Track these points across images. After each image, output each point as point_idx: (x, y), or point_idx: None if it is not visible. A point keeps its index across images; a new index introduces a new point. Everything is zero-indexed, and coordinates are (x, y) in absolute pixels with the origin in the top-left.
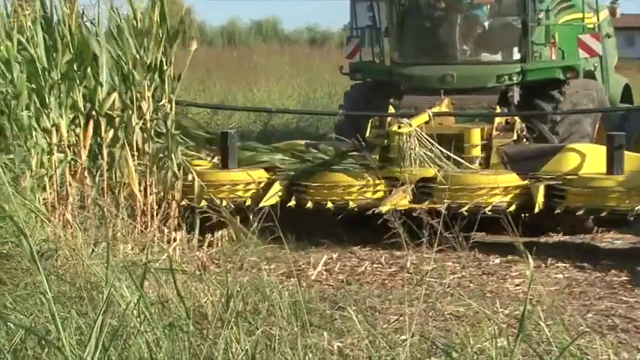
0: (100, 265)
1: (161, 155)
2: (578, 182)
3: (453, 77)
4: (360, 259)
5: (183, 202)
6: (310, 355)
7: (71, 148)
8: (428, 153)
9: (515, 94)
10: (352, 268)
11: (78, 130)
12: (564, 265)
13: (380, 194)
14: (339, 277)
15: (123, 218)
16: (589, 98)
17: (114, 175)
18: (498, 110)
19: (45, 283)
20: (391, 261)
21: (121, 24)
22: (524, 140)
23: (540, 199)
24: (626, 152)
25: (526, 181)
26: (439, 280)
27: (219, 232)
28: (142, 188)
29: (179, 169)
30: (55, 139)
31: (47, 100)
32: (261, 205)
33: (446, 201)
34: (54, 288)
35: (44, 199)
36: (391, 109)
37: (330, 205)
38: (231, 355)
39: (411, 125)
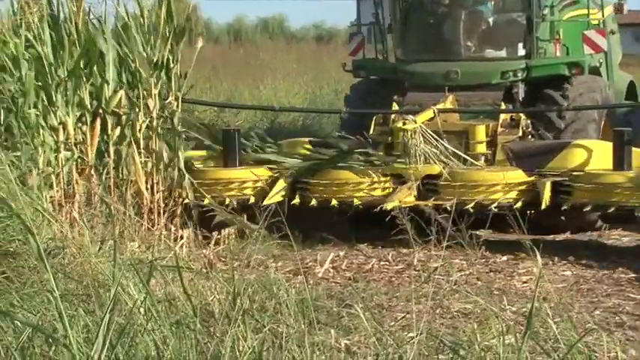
0: (107, 263)
1: (167, 153)
2: (585, 178)
3: (457, 74)
4: (367, 257)
5: (187, 200)
6: (317, 352)
7: (78, 146)
8: (433, 149)
9: (520, 91)
10: (359, 266)
11: (85, 127)
12: (572, 262)
13: (384, 191)
14: (346, 274)
15: (130, 216)
16: (594, 95)
17: (121, 173)
18: (503, 107)
19: (52, 281)
20: (398, 258)
21: (128, 21)
22: (530, 137)
23: (547, 195)
24: (633, 148)
25: (532, 178)
26: (446, 277)
27: (226, 230)
28: (148, 186)
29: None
30: (62, 137)
31: (54, 97)
32: (265, 202)
33: (452, 198)
34: (61, 286)
35: (51, 197)
36: (395, 107)
37: (334, 202)
38: (238, 352)
39: (415, 122)
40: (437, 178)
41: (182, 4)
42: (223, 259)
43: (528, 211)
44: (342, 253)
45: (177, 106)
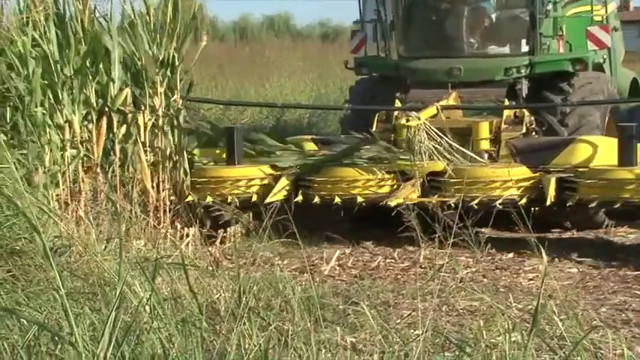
0: (113, 261)
1: (172, 151)
2: (591, 174)
3: (460, 70)
4: (373, 254)
5: (189, 198)
6: (323, 350)
7: (84, 144)
8: (437, 146)
9: (524, 87)
10: (365, 263)
11: (90, 126)
12: (578, 259)
13: (388, 188)
14: (352, 272)
15: (135, 214)
16: (598, 91)
17: (126, 171)
18: (507, 103)
19: (58, 279)
20: (404, 256)
21: (135, 19)
22: (533, 133)
23: (552, 191)
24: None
25: (537, 174)
26: (452, 274)
27: (232, 228)
28: (154, 184)
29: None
30: (68, 136)
31: (60, 96)
32: (267, 200)
33: (457, 194)
34: (67, 284)
35: (57, 195)
36: (398, 104)
37: (337, 200)
38: (243, 350)
39: (419, 118)
40: (441, 175)
41: (188, 3)
42: (229, 257)
43: (533, 208)
44: (347, 251)
45: (183, 104)
